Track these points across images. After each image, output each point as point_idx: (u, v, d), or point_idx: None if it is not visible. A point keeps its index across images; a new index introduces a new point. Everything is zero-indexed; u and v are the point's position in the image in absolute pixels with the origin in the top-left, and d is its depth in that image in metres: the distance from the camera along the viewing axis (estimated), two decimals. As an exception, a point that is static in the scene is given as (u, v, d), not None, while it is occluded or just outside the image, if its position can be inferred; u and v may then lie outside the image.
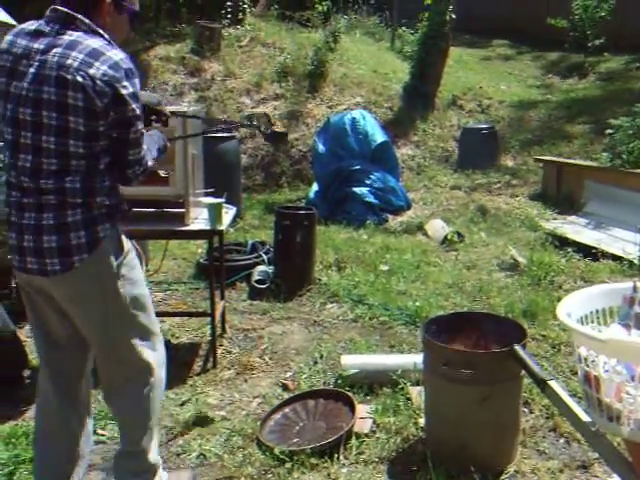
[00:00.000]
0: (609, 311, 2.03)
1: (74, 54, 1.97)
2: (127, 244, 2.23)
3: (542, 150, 8.56)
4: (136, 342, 2.24)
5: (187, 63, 9.62)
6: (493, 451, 2.62)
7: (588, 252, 5.28)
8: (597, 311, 2.01)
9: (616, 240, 5.48)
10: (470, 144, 8.36)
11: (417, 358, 3.06)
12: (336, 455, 2.69)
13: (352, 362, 3.34)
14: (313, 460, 2.66)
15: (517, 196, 7.40)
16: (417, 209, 7.11)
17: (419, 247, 5.73)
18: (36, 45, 2.00)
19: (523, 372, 2.48)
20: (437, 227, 6.17)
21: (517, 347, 2.42)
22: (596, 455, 2.51)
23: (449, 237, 5.83)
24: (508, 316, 3.74)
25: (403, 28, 12.44)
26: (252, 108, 9.13)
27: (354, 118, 6.97)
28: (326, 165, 6.89)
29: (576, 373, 3.00)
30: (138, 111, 2.07)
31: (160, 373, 2.35)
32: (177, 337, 4.02)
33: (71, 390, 2.34)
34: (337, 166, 6.79)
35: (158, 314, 4.20)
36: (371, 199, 6.68)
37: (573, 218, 6.38)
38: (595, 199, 6.45)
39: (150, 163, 2.25)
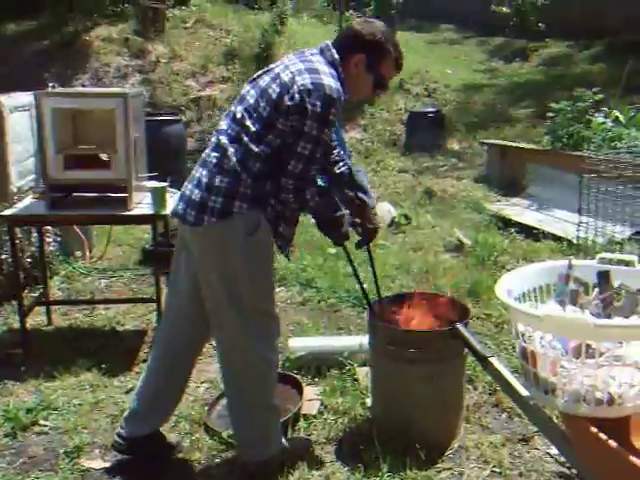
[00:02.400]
0: (546, 288, 2.08)
1: (298, 65, 2.23)
2: (265, 234, 2.28)
3: (487, 133, 8.72)
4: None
5: (130, 44, 9.39)
6: (438, 428, 2.67)
7: (530, 232, 5.43)
8: (535, 289, 2.07)
9: (557, 221, 5.65)
10: (417, 128, 8.45)
11: (364, 339, 3.09)
12: (284, 437, 2.70)
13: (299, 345, 3.35)
14: (261, 443, 2.65)
15: (463, 179, 7.52)
16: (365, 192, 7.13)
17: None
18: None
19: (466, 350, 2.54)
20: (384, 210, 6.21)
21: (460, 326, 2.47)
22: (536, 429, 2.59)
23: (396, 220, 5.90)
24: (453, 296, 3.80)
25: (350, 11, 12.42)
26: (198, 91, 8.98)
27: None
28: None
29: (517, 350, 3.08)
30: (315, 132, 2.18)
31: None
32: (122, 324, 3.95)
33: (175, 358, 2.54)
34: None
35: (102, 301, 4.19)
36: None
37: (516, 200, 6.53)
38: (537, 181, 6.61)
39: (308, 202, 2.35)
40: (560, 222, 5.54)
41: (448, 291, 4.15)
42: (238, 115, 2.25)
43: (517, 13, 11.33)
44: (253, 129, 2.20)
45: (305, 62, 2.23)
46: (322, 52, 2.31)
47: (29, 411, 2.92)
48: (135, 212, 3.43)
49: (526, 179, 6.79)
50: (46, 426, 2.86)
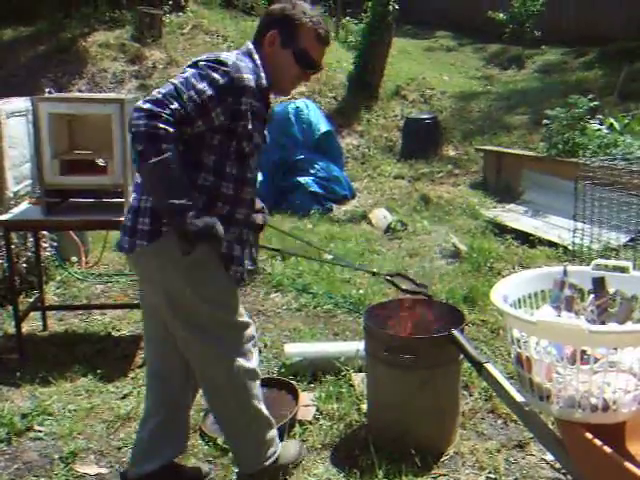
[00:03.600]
0: (542, 295, 2.09)
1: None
2: (203, 246, 2.05)
3: (483, 140, 8.75)
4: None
5: (127, 50, 9.40)
6: (433, 434, 2.67)
7: (526, 239, 5.45)
8: (530, 295, 2.07)
9: (552, 227, 5.67)
10: (413, 134, 8.48)
11: (359, 345, 3.09)
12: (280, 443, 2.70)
13: (295, 350, 3.35)
14: (257, 449, 2.65)
15: (459, 185, 7.55)
16: (361, 198, 7.16)
17: (363, 236, 5.78)
18: None
19: (462, 356, 2.54)
20: (381, 216, 6.24)
21: (455, 332, 2.48)
22: (531, 435, 2.59)
23: (392, 226, 5.91)
24: (448, 302, 3.81)
25: (347, 18, 12.47)
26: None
27: (298, 107, 6.96)
28: (270, 155, 6.85)
29: (513, 356, 3.09)
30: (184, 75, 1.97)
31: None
32: (118, 330, 3.94)
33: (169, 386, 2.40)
34: (281, 156, 6.77)
35: (98, 307, 4.18)
36: (315, 188, 6.69)
37: (512, 206, 6.55)
38: (533, 187, 6.64)
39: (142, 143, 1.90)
40: (556, 228, 5.55)
41: (444, 297, 4.16)
42: None
43: (513, 20, 11.38)
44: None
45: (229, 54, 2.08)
46: (241, 48, 2.18)
47: (24, 416, 2.92)
48: (131, 217, 3.42)
49: (522, 185, 6.81)
50: (41, 431, 2.85)
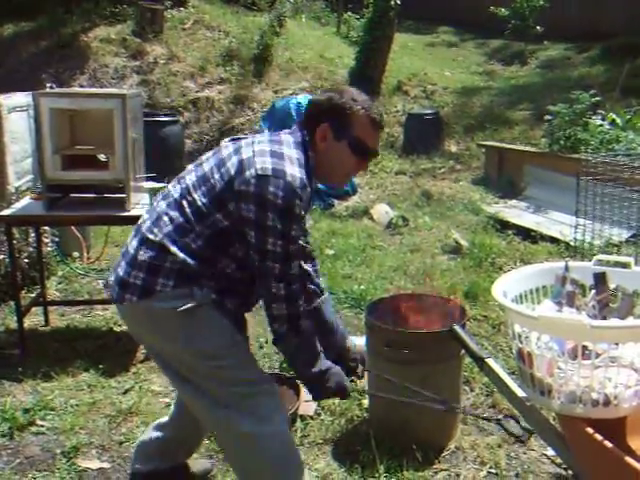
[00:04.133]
0: (543, 290, 2.09)
1: (265, 145, 1.92)
2: (203, 303, 1.92)
3: (484, 135, 8.74)
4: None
5: (128, 45, 9.38)
6: (434, 429, 2.68)
7: (527, 234, 5.45)
8: (532, 290, 2.07)
9: (554, 223, 5.66)
10: (415, 129, 8.45)
11: (361, 340, 3.09)
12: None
13: (297, 346, 3.34)
14: (258, 444, 2.66)
15: (460, 181, 7.54)
16: (363, 194, 7.16)
17: (365, 231, 5.78)
18: None
19: (463, 351, 2.54)
20: (382, 211, 6.23)
21: (456, 327, 2.47)
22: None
23: (394, 221, 5.91)
24: (449, 297, 3.81)
25: (349, 13, 12.44)
26: (196, 92, 8.98)
27: (299, 103, 6.95)
28: (272, 150, 6.87)
29: (514, 351, 3.09)
30: (280, 226, 1.82)
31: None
32: (120, 325, 3.94)
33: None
34: (283, 151, 6.76)
35: (100, 302, 4.19)
36: (317, 184, 6.68)
37: (514, 202, 6.55)
38: (534, 183, 6.63)
39: (299, 325, 1.91)
40: (557, 224, 5.55)
41: (445, 292, 4.16)
42: (188, 181, 1.96)
43: (515, 16, 11.35)
44: (199, 202, 1.89)
45: (273, 143, 1.92)
46: (293, 133, 2.00)
47: (26, 411, 2.92)
48: (133, 212, 3.42)
49: (524, 181, 6.80)
50: (43, 426, 2.86)
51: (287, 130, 2.03)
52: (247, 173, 1.83)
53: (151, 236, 1.92)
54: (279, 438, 2.00)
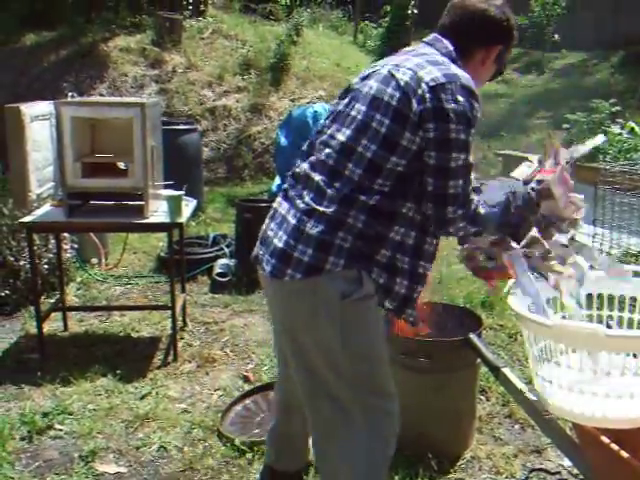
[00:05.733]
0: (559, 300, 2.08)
1: (414, 59, 1.77)
2: (368, 296, 1.77)
3: (502, 144, 8.71)
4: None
5: (148, 55, 9.48)
6: (450, 438, 2.67)
7: (544, 244, 5.40)
8: (548, 299, 2.07)
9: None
10: (431, 138, 8.43)
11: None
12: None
13: (313, 353, 3.35)
14: (273, 450, 2.67)
15: (477, 189, 7.50)
16: (379, 202, 7.14)
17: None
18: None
19: (479, 360, 2.54)
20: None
21: (472, 336, 2.47)
22: (549, 440, 2.58)
23: (410, 230, 5.89)
24: (466, 306, 3.80)
25: (366, 22, 12.50)
26: (214, 101, 9.06)
27: (316, 111, 6.97)
28: (288, 158, 6.87)
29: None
30: (463, 136, 1.70)
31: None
32: (137, 331, 3.98)
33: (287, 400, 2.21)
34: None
35: (117, 308, 4.23)
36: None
37: (531, 211, 6.49)
38: (552, 192, 6.57)
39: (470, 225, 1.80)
40: (575, 233, 5.50)
41: (461, 301, 4.15)
42: (340, 137, 1.76)
43: (533, 24, 11.33)
44: (368, 154, 1.70)
45: (420, 55, 1.77)
46: (431, 45, 1.85)
47: (45, 415, 2.96)
48: (151, 220, 3.47)
49: (541, 190, 6.75)
50: (61, 430, 2.89)
51: (425, 40, 1.89)
52: (419, 91, 1.67)
53: (319, 206, 1.72)
54: (382, 464, 1.93)
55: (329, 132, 1.83)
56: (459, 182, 1.71)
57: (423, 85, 1.67)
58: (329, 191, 1.72)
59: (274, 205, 1.91)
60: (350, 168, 1.72)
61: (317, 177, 1.76)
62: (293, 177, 1.89)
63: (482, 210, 1.81)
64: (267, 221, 1.90)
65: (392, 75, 1.74)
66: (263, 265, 1.82)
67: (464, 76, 1.72)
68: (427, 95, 1.66)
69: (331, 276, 1.71)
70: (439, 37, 1.87)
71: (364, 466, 1.87)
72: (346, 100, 1.85)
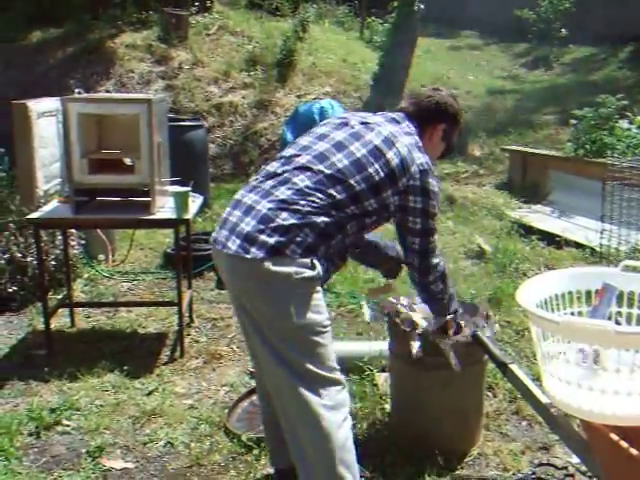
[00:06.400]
0: (569, 296, 2.07)
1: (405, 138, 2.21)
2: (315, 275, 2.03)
3: (509, 140, 8.67)
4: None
5: (154, 51, 9.49)
6: (457, 434, 2.66)
7: (552, 240, 5.39)
8: (557, 296, 2.05)
9: (579, 228, 5.60)
10: (438, 134, 8.41)
11: (383, 345, 3.09)
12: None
13: (319, 349, 3.35)
14: (280, 446, 2.67)
15: (484, 185, 7.49)
16: (386, 198, 7.13)
17: (387, 236, 5.69)
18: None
19: (486, 357, 2.53)
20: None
21: (480, 332, 2.46)
22: (556, 437, 2.57)
23: (417, 226, 5.88)
24: (473, 302, 3.79)
25: (372, 18, 12.45)
26: (220, 97, 9.05)
27: (322, 107, 6.96)
28: (295, 154, 6.88)
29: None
30: (435, 210, 2.24)
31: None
32: (144, 327, 3.99)
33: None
34: (306, 155, 6.77)
35: (124, 304, 4.24)
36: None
37: (538, 207, 6.49)
38: (559, 188, 6.56)
39: (431, 270, 2.32)
40: (582, 230, 5.48)
41: (468, 297, 4.14)
42: (338, 165, 2.08)
43: (540, 19, 11.26)
44: (357, 188, 2.07)
45: (408, 135, 2.22)
46: (396, 122, 2.28)
47: (52, 411, 2.97)
48: (158, 216, 3.47)
49: (548, 186, 6.74)
50: (69, 426, 2.90)
51: (399, 115, 2.31)
52: (412, 169, 2.14)
53: (297, 206, 2.01)
54: (345, 428, 2.09)
55: (320, 149, 2.14)
56: (433, 238, 2.28)
57: (415, 167, 2.15)
58: (311, 198, 2.03)
59: (236, 197, 2.17)
60: (337, 190, 2.06)
61: (303, 183, 2.05)
62: (268, 174, 2.15)
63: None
64: (229, 210, 2.15)
65: (393, 143, 2.16)
66: (227, 244, 2.03)
67: (432, 164, 2.23)
68: (417, 175, 2.15)
69: (287, 260, 1.98)
70: (404, 117, 2.31)
71: (329, 436, 2.03)
72: (345, 134, 2.19)
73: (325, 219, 2.03)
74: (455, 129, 2.41)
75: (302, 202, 2.02)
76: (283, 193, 2.04)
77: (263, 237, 1.97)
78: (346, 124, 2.23)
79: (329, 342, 2.09)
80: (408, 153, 2.15)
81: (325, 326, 2.07)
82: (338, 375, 2.10)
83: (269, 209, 2.01)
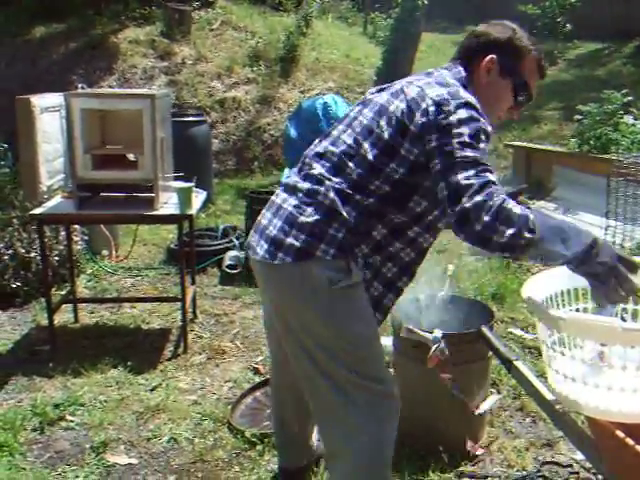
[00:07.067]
0: (574, 292, 2.06)
1: (425, 79, 1.84)
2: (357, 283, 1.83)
3: (512, 135, 8.64)
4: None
5: (157, 46, 9.48)
6: (461, 431, 2.66)
7: (556, 236, 5.36)
8: (562, 292, 2.04)
9: (583, 224, 5.56)
10: (442, 129, 8.39)
11: (388, 341, 3.08)
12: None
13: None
14: (284, 442, 2.67)
15: (488, 181, 7.46)
16: (389, 194, 7.12)
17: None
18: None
19: (491, 353, 2.52)
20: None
21: (484, 328, 2.45)
22: (561, 433, 2.56)
23: (420, 222, 5.87)
24: (477, 299, 3.78)
25: (376, 13, 12.41)
26: (223, 92, 9.03)
27: (326, 103, 6.94)
28: (298, 150, 6.82)
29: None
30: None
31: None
32: (148, 323, 3.99)
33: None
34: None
35: (128, 300, 4.24)
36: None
37: (542, 203, 6.46)
38: (563, 184, 6.54)
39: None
40: (587, 226, 5.46)
41: (472, 294, 4.13)
42: (347, 140, 1.84)
43: (545, 14, 11.21)
44: (370, 156, 1.78)
45: (432, 76, 1.85)
46: (447, 69, 1.92)
47: (56, 406, 2.98)
48: (161, 212, 3.46)
49: (552, 182, 6.71)
50: (73, 421, 2.90)
51: (443, 66, 1.94)
52: (423, 105, 1.73)
53: (317, 198, 1.79)
54: (391, 446, 1.97)
55: (336, 133, 1.91)
56: (470, 173, 1.63)
57: (427, 99, 1.74)
58: (329, 183, 1.80)
59: (272, 197, 1.98)
60: (351, 167, 1.80)
61: (317, 171, 1.84)
62: (297, 169, 1.95)
63: (518, 209, 1.61)
64: (263, 211, 1.98)
65: (402, 90, 1.83)
66: (257, 250, 1.88)
67: (470, 97, 1.75)
68: (431, 109, 1.72)
69: (320, 263, 1.77)
70: (452, 64, 1.95)
71: (366, 449, 1.89)
72: (358, 108, 1.94)
73: (349, 207, 1.77)
74: (517, 60, 1.90)
75: (321, 191, 1.79)
76: (303, 187, 1.84)
77: (289, 240, 1.78)
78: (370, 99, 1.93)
79: (376, 352, 1.90)
80: (420, 91, 1.76)
81: (370, 337, 1.87)
82: (387, 387, 1.92)
83: (294, 206, 1.82)
